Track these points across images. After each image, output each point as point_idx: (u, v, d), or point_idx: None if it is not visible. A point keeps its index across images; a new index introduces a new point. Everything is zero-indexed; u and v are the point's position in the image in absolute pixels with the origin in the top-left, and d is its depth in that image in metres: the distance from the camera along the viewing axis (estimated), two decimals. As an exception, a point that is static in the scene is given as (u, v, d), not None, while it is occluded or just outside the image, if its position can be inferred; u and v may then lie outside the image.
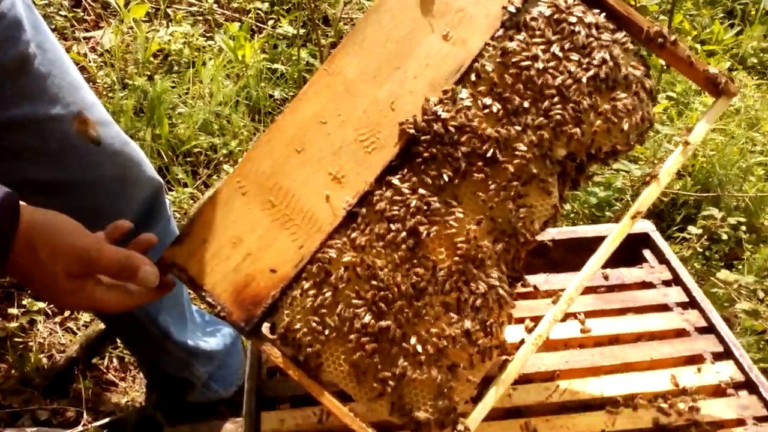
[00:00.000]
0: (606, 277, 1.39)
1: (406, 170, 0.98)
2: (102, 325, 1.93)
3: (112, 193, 1.23)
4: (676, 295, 1.36)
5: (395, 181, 0.98)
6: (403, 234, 0.95)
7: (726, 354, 1.23)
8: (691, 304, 1.34)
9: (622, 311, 1.33)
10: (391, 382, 0.93)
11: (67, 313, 2.05)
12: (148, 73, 2.65)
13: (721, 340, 1.25)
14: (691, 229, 2.38)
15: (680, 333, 1.28)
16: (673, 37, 1.02)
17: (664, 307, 1.34)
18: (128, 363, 1.97)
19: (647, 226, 1.49)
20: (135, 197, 1.32)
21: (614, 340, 1.28)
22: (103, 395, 1.90)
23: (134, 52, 2.69)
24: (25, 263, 0.84)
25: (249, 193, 0.98)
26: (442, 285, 0.96)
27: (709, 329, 1.28)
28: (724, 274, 2.25)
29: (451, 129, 0.97)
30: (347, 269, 0.95)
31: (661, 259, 1.44)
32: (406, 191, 0.97)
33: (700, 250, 2.36)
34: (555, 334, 1.24)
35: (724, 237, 2.38)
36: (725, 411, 1.14)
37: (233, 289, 0.95)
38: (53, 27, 2.75)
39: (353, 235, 0.96)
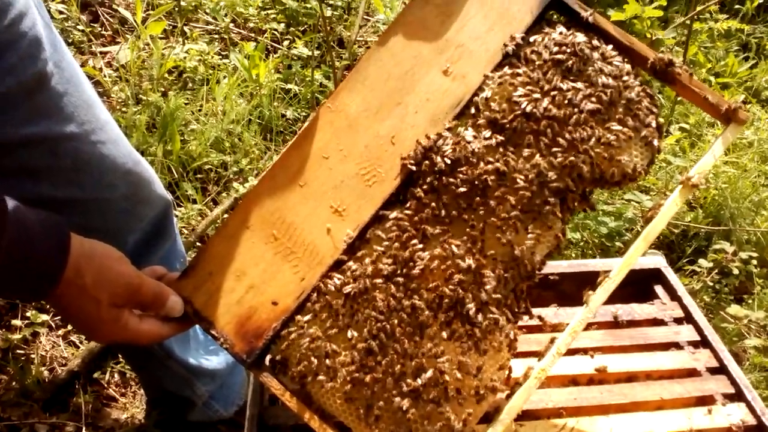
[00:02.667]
0: (616, 316, 1.37)
1: (406, 203, 0.99)
2: (105, 340, 1.92)
3: (122, 211, 1.23)
4: (687, 333, 1.33)
5: (395, 214, 0.98)
6: (402, 266, 0.95)
7: (737, 396, 1.21)
8: (703, 343, 1.31)
9: (632, 348, 1.31)
10: (388, 416, 0.92)
11: (70, 326, 2.04)
12: (163, 90, 2.67)
13: (733, 381, 1.23)
14: (702, 262, 2.36)
15: (691, 373, 1.26)
16: (677, 63, 1.01)
17: (675, 346, 1.32)
18: (129, 378, 1.95)
19: (659, 262, 1.48)
20: (145, 215, 1.32)
21: (624, 377, 1.25)
22: (104, 410, 1.89)
23: (149, 68, 2.71)
24: (71, 291, 0.85)
25: (253, 227, 0.99)
26: (441, 318, 0.95)
27: (721, 370, 1.26)
28: (734, 309, 2.22)
29: (451, 162, 0.97)
30: (346, 301, 0.95)
31: (673, 295, 1.42)
32: (405, 224, 0.97)
33: (711, 283, 2.33)
34: (563, 369, 1.23)
35: (735, 271, 2.35)
36: (736, 455, 1.12)
37: (236, 322, 0.96)
38: (70, 41, 2.78)
39: (353, 267, 0.96)
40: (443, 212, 0.97)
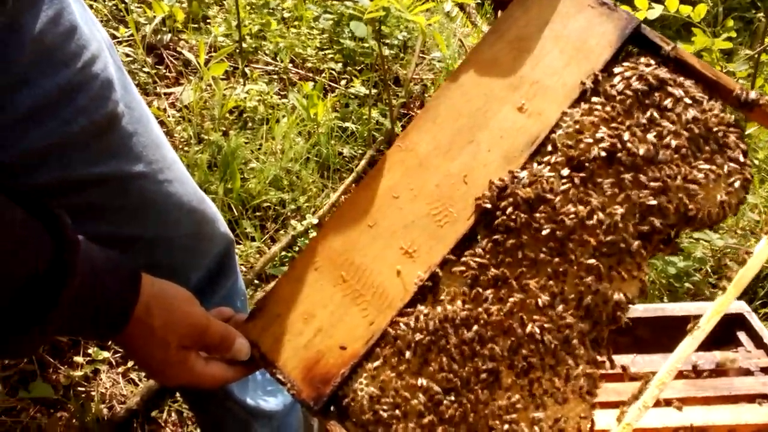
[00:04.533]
0: (695, 365, 1.28)
1: (480, 245, 0.94)
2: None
3: (186, 249, 1.23)
4: (777, 384, 1.24)
5: (469, 256, 0.93)
6: (477, 311, 0.90)
7: (836, 455, 1.11)
8: (795, 395, 1.22)
9: (715, 399, 1.22)
10: None
11: (130, 363, 2.05)
12: (224, 129, 2.72)
13: (831, 439, 1.13)
14: (783, 305, 2.23)
15: (782, 428, 1.17)
16: (765, 98, 0.95)
17: (763, 397, 1.23)
18: (186, 418, 1.94)
19: (742, 306, 1.39)
20: (208, 253, 1.32)
21: (708, 431, 1.17)
22: (160, 450, 1.88)
23: (211, 108, 2.77)
24: (140, 332, 0.83)
25: (321, 269, 0.96)
26: (519, 367, 0.89)
27: (816, 426, 1.16)
28: (819, 357, 2.08)
29: (529, 201, 0.93)
30: (417, 348, 0.90)
31: (759, 343, 1.33)
32: (480, 266, 0.92)
33: (791, 329, 2.19)
34: (645, 422, 1.15)
35: (818, 315, 2.21)
36: None
37: (303, 366, 0.92)
38: (137, 83, 2.87)
39: (425, 311, 0.92)
40: (520, 254, 0.92)
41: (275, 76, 3.10)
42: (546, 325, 0.90)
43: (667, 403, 1.20)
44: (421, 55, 3.28)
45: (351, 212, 0.98)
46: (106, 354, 2.03)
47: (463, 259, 0.93)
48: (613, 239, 0.91)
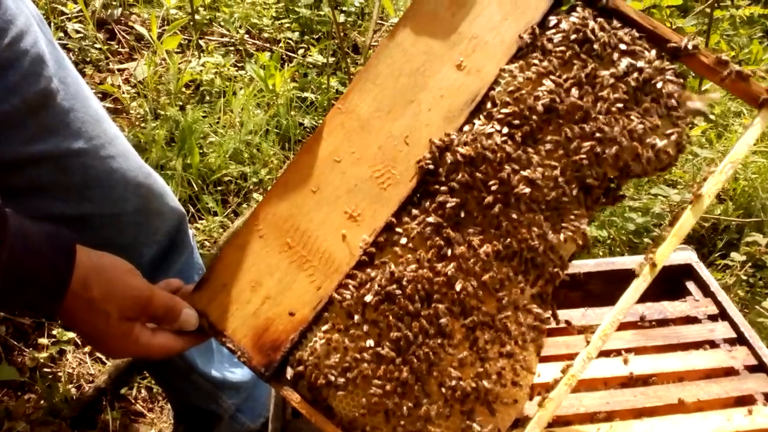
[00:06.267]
0: (644, 316, 1.32)
1: (423, 205, 0.95)
2: (130, 356, 1.92)
3: (135, 225, 1.23)
4: (722, 330, 1.28)
5: (413, 217, 0.95)
6: (422, 271, 0.92)
7: (779, 395, 1.16)
8: (739, 340, 1.26)
9: (665, 348, 1.26)
10: (413, 426, 0.89)
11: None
12: (180, 104, 2.68)
13: (774, 379, 1.17)
14: (735, 255, 2.29)
15: (728, 372, 1.21)
16: (703, 47, 0.96)
17: (710, 344, 1.27)
18: (156, 394, 1.95)
19: (690, 257, 1.43)
20: (158, 228, 1.31)
21: (657, 378, 1.21)
22: (131, 426, 1.88)
23: (166, 83, 2.72)
24: (79, 305, 0.83)
25: (266, 236, 0.97)
26: (465, 324, 0.91)
27: (760, 367, 1.20)
28: (770, 302, 2.15)
29: (468, 160, 0.93)
30: (365, 310, 0.92)
31: (706, 291, 1.37)
32: (423, 227, 0.94)
33: (744, 277, 2.26)
34: (594, 372, 1.19)
35: (770, 263, 2.28)
36: (780, 457, 1.07)
37: (253, 334, 0.93)
38: (88, 60, 2.80)
39: (371, 274, 0.93)
40: (463, 213, 0.93)
41: (231, 48, 3.05)
42: (491, 283, 0.92)
43: (617, 353, 1.24)
44: (379, 21, 3.24)
45: (294, 178, 0.98)
46: (71, 334, 2.02)
47: (407, 220, 0.94)
48: (554, 195, 0.93)
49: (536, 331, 0.93)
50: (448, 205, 0.93)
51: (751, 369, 1.21)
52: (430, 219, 0.94)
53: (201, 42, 2.97)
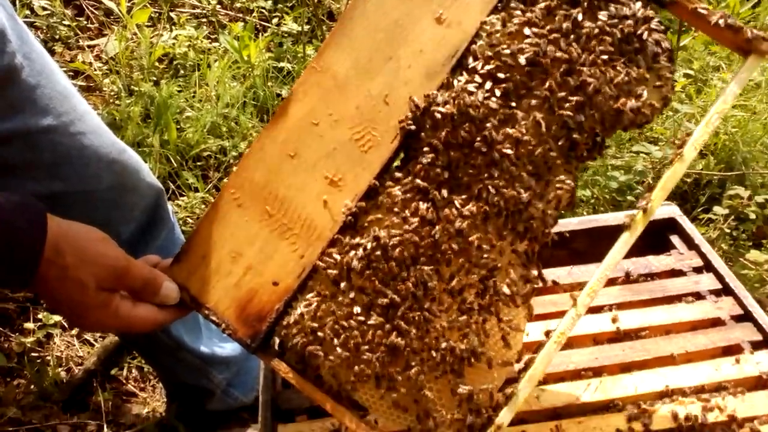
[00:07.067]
0: (629, 271, 1.32)
1: (406, 167, 0.93)
2: (118, 336, 1.91)
3: (110, 202, 1.20)
4: (708, 282, 1.29)
5: (395, 179, 0.92)
6: (408, 235, 0.90)
7: (765, 343, 1.17)
8: (725, 290, 1.27)
9: (651, 302, 1.27)
10: (403, 390, 0.89)
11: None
12: (154, 79, 2.62)
13: (760, 328, 1.18)
14: (717, 209, 2.30)
15: (715, 322, 1.22)
16: None
17: (696, 296, 1.28)
18: (147, 373, 1.94)
19: (673, 211, 1.43)
20: (135, 205, 1.29)
21: (645, 332, 1.21)
22: (124, 407, 1.88)
23: (139, 58, 2.66)
24: (53, 273, 0.81)
25: (244, 205, 0.94)
26: (452, 286, 0.91)
27: (746, 317, 1.22)
28: (753, 254, 2.17)
29: (451, 118, 0.91)
30: (350, 276, 0.90)
31: (690, 244, 1.37)
32: (407, 189, 0.92)
33: (727, 230, 2.28)
34: (582, 329, 1.19)
35: (752, 216, 2.30)
36: (768, 404, 1.08)
37: (236, 305, 0.92)
38: (57, 37, 2.73)
39: (355, 240, 0.91)
40: (447, 174, 0.91)
41: (203, 20, 2.98)
42: (478, 243, 0.91)
43: (606, 309, 1.24)
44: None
45: (270, 143, 0.95)
46: (57, 318, 2.00)
47: (390, 183, 0.92)
48: (540, 151, 0.91)
49: (525, 291, 0.92)
50: (432, 166, 0.91)
51: (738, 319, 1.22)
52: (414, 181, 0.92)
53: (172, 14, 2.90)
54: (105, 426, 1.77)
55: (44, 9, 2.75)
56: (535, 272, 0.94)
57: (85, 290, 0.82)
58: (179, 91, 2.56)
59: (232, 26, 2.80)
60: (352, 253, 0.91)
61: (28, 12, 2.75)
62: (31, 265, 0.79)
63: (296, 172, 0.94)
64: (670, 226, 1.41)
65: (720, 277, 1.29)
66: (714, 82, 2.83)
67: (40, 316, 1.99)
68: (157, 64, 2.68)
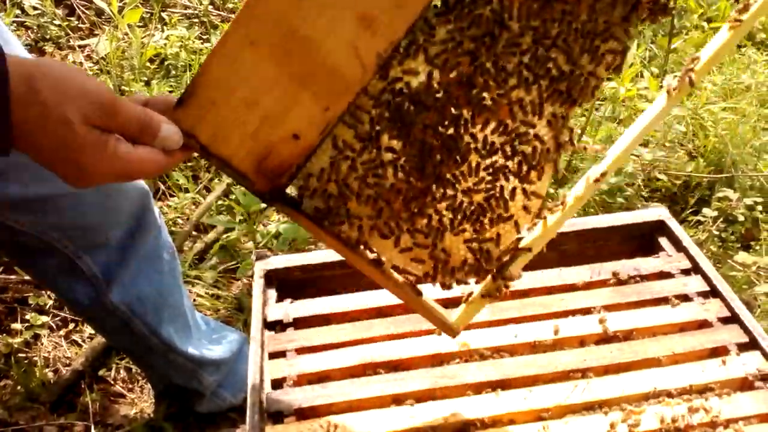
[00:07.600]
0: (617, 273, 1.32)
1: (449, 13, 0.81)
2: (107, 337, 1.90)
3: (97, 206, 1.19)
4: (695, 284, 1.29)
5: (436, 27, 0.81)
6: (445, 90, 0.83)
7: (752, 344, 1.17)
8: (712, 293, 1.27)
9: (639, 304, 1.27)
10: (427, 238, 0.88)
11: (71, 326, 2.02)
12: (145, 79, 2.61)
13: (746, 330, 1.19)
14: (706, 211, 2.31)
15: (702, 324, 1.22)
16: None
17: (684, 298, 1.28)
18: (136, 373, 1.93)
19: (662, 213, 1.43)
20: (121, 208, 1.27)
21: (632, 334, 1.22)
22: (111, 408, 1.87)
23: (130, 58, 2.65)
24: (32, 113, 0.71)
25: (258, 43, 0.79)
26: (488, 142, 0.87)
27: (733, 319, 1.22)
28: (742, 256, 2.18)
29: None
30: (381, 131, 0.83)
31: (679, 247, 1.38)
32: (447, 41, 0.81)
33: (716, 232, 2.29)
34: (570, 330, 1.19)
35: (741, 218, 2.31)
36: (754, 405, 1.08)
37: (254, 159, 0.82)
38: (48, 37, 2.72)
39: (386, 95, 0.82)
40: (488, 26, 0.81)
41: (195, 20, 2.98)
42: (516, 98, 0.86)
43: (595, 311, 1.24)
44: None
45: None
46: (45, 318, 1.99)
47: (431, 29, 0.82)
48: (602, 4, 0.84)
49: (554, 157, 0.90)
50: (479, 18, 0.81)
51: (725, 321, 1.23)
52: (458, 32, 0.82)
53: (164, 15, 2.90)
54: (93, 427, 1.76)
55: (35, 9, 2.75)
56: (566, 137, 0.90)
57: (72, 126, 0.72)
58: (170, 92, 2.55)
59: (223, 27, 2.80)
60: (383, 107, 0.83)
61: (18, 11, 2.74)
62: (2, 105, 0.69)
63: (322, 8, 0.78)
64: (658, 228, 1.42)
65: (708, 280, 1.29)
66: (705, 85, 2.85)
67: (27, 316, 1.98)
68: (148, 64, 2.67)
